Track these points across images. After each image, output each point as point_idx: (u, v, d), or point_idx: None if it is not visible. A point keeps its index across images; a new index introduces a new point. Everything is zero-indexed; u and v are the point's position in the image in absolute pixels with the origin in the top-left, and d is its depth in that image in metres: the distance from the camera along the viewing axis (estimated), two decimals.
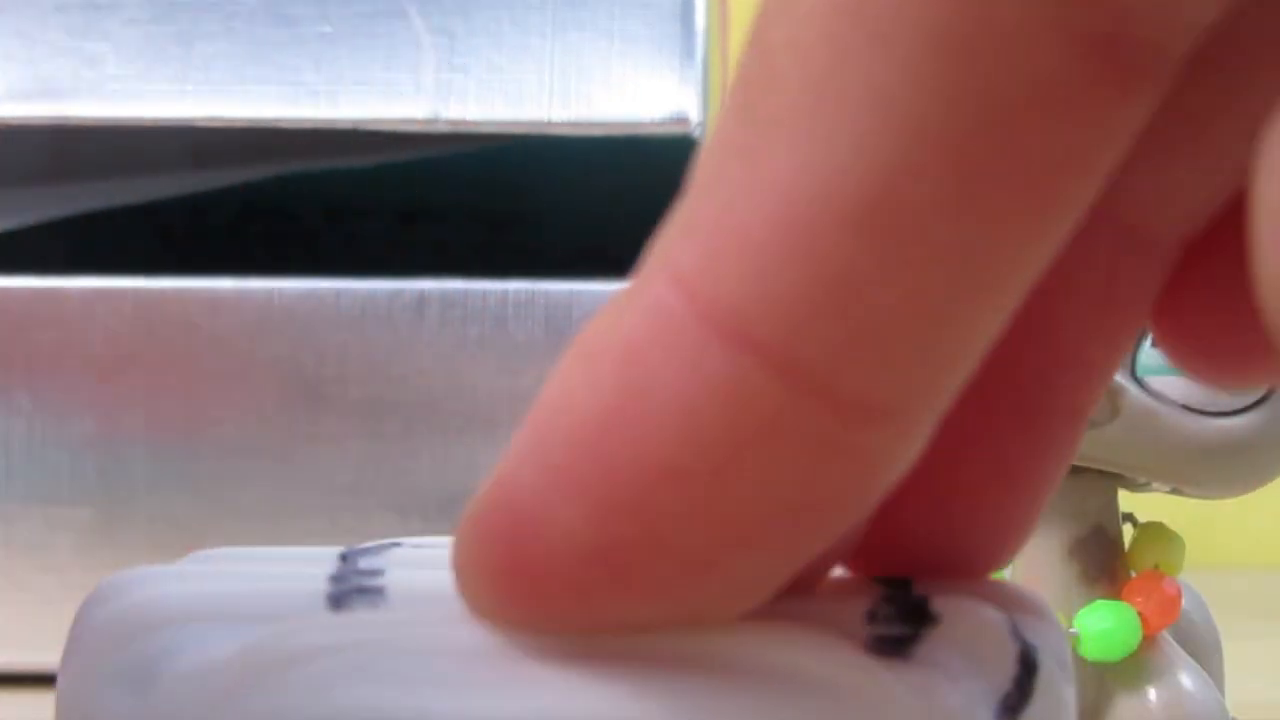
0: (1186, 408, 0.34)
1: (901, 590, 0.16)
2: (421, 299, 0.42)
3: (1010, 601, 0.16)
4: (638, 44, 0.43)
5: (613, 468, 0.13)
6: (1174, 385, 0.34)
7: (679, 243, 0.13)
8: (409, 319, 0.42)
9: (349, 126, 0.42)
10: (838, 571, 0.16)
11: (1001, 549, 0.16)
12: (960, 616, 0.15)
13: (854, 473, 0.13)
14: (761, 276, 0.12)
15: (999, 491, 0.16)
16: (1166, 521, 0.37)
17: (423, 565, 0.16)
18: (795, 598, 0.15)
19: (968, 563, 0.16)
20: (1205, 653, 0.37)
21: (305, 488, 0.42)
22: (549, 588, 0.13)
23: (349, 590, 0.16)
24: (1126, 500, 0.37)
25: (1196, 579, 0.37)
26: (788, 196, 0.12)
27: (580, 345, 0.13)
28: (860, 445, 0.13)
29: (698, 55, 0.43)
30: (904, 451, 0.13)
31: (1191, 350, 0.16)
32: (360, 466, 0.42)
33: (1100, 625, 0.35)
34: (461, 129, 0.42)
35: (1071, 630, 0.35)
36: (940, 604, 0.15)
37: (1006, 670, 0.15)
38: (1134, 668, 0.35)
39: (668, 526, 0.13)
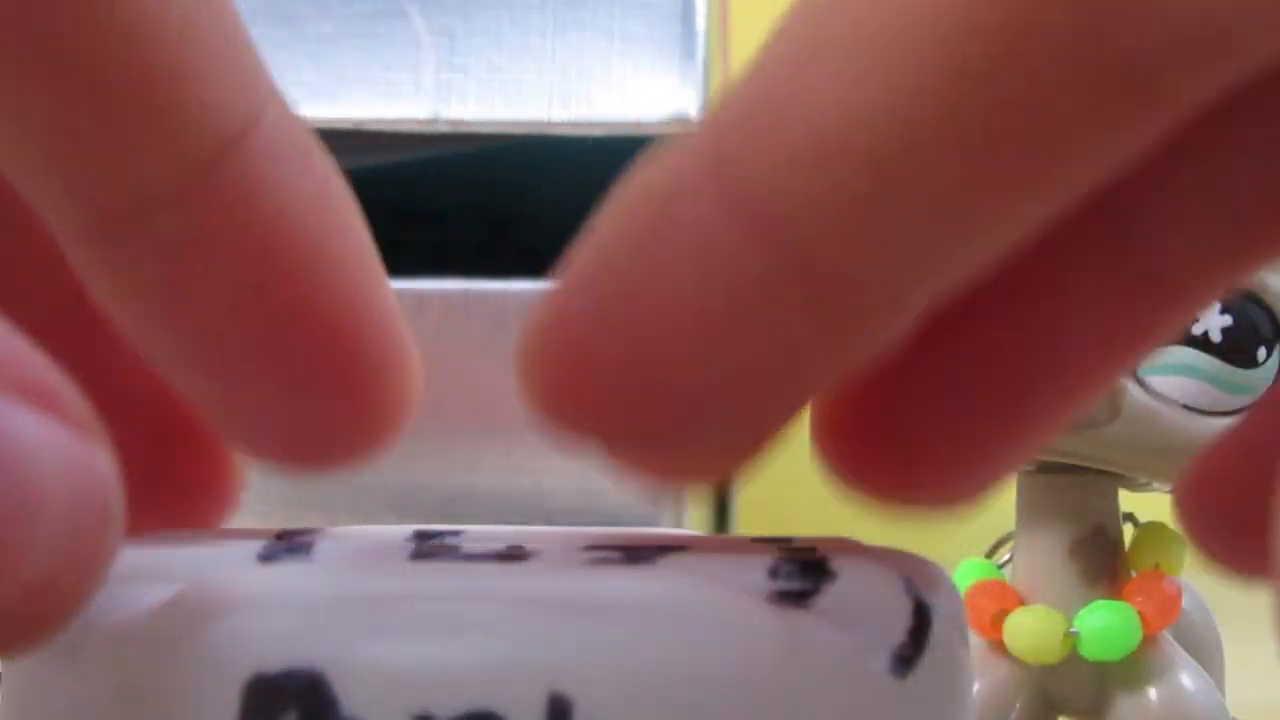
0: (1186, 408, 0.34)
1: (802, 550, 0.17)
2: (421, 299, 0.42)
3: (908, 565, 0.17)
4: (638, 44, 0.43)
5: (638, 308, 0.15)
6: (1175, 385, 0.34)
7: (723, 121, 0.15)
8: (409, 319, 0.42)
9: (349, 126, 0.42)
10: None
11: (960, 492, 0.18)
12: (856, 574, 0.16)
13: (830, 338, 0.15)
14: (782, 173, 0.14)
15: (964, 447, 0.17)
16: (1167, 521, 0.37)
17: (350, 537, 0.17)
18: (703, 556, 0.16)
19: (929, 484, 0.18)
20: (1206, 652, 0.37)
21: (305, 488, 0.42)
22: (593, 397, 0.16)
23: (278, 550, 0.17)
24: (1127, 500, 0.37)
25: (1197, 579, 0.37)
26: (818, 120, 0.14)
27: (628, 192, 0.15)
28: (836, 315, 0.15)
29: (698, 55, 0.43)
30: (872, 331, 0.15)
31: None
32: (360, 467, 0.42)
33: (1101, 625, 0.35)
34: (461, 129, 0.42)
35: (1072, 630, 0.35)
36: (838, 563, 0.17)
37: (901, 623, 0.16)
38: (1134, 667, 0.35)
39: (676, 360, 0.15)
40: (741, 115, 0.15)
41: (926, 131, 0.14)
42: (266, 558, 0.16)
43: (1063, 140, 0.14)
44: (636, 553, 0.16)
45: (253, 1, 0.43)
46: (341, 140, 0.43)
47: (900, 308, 0.15)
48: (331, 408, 0.18)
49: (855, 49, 0.14)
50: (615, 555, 0.16)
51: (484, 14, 0.43)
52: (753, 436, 0.16)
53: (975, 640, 0.37)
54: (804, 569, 0.16)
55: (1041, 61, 0.14)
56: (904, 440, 0.17)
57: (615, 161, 0.49)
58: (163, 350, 0.17)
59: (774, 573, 0.16)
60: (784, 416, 0.16)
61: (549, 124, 0.42)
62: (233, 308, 0.17)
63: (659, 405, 0.15)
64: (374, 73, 0.42)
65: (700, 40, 0.43)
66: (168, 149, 0.16)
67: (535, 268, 0.43)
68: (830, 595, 0.16)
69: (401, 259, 0.48)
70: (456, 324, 0.42)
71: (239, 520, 0.43)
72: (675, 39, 0.43)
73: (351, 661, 0.15)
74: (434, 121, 0.42)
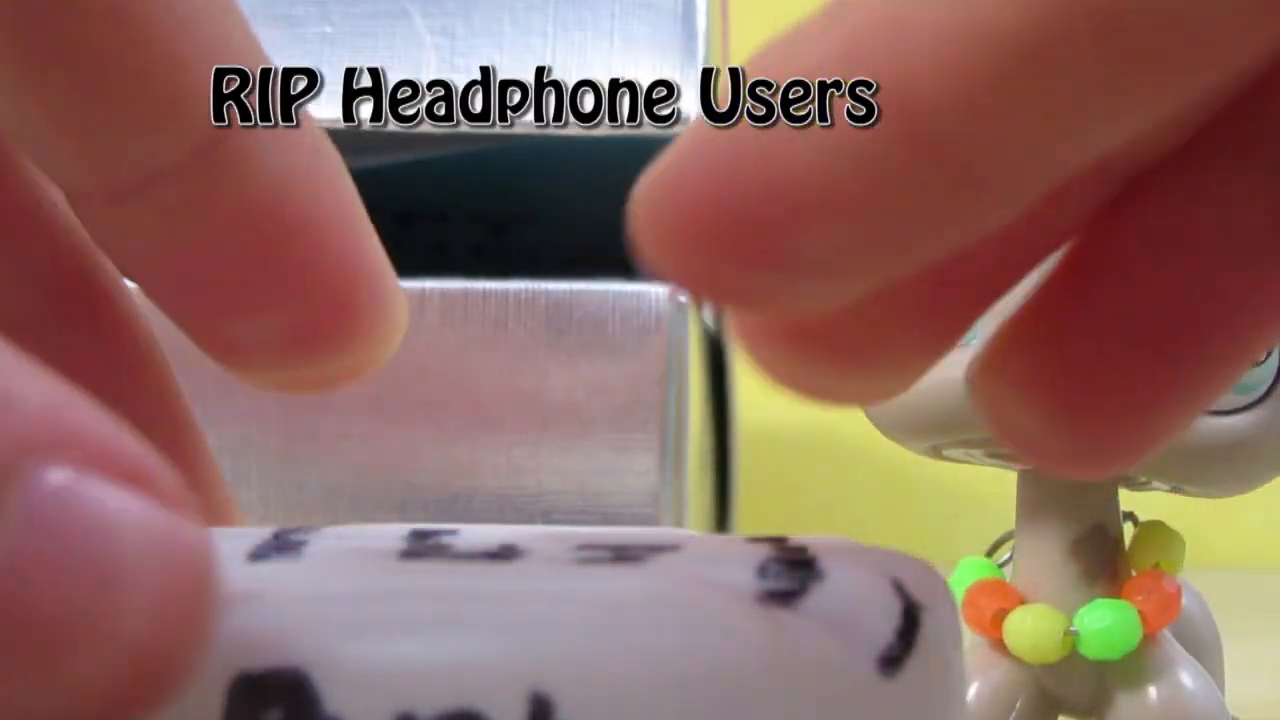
0: None
1: (793, 550, 0.17)
2: (421, 299, 0.42)
3: (899, 565, 0.17)
4: (638, 44, 0.43)
5: (768, 172, 0.15)
6: None
7: (842, 17, 0.15)
8: (409, 319, 0.42)
9: (349, 126, 0.42)
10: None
11: (1135, 448, 0.18)
12: (845, 574, 0.16)
13: (952, 222, 0.16)
14: (914, 64, 0.15)
15: (1131, 400, 0.18)
16: (1166, 520, 0.37)
17: (346, 536, 0.17)
18: (693, 556, 0.16)
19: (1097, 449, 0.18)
20: (1205, 651, 0.37)
21: (305, 488, 0.42)
22: (713, 241, 0.16)
23: (269, 548, 0.17)
24: (1127, 499, 0.37)
25: (1196, 578, 0.37)
26: (949, 14, 0.15)
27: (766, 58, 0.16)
28: (963, 199, 0.15)
29: (698, 55, 0.43)
30: (995, 215, 0.16)
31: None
32: (360, 466, 0.42)
33: (1101, 623, 0.35)
34: (462, 129, 0.42)
35: (1072, 628, 0.35)
36: (826, 562, 0.16)
37: (889, 624, 0.16)
38: (1134, 666, 0.35)
39: (795, 219, 0.15)
40: (866, 8, 0.15)
41: (1053, 25, 0.14)
42: (256, 556, 0.16)
43: (1197, 32, 0.14)
44: (625, 552, 0.16)
45: (253, 1, 0.43)
46: (342, 140, 0.43)
47: (1026, 193, 0.15)
48: (323, 341, 0.20)
49: None
50: (604, 555, 0.16)
51: (485, 14, 0.43)
52: (852, 289, 0.16)
53: (975, 639, 0.36)
54: (792, 568, 0.16)
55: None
56: (1067, 396, 0.17)
57: (615, 161, 0.49)
58: (164, 293, 0.20)
59: (762, 572, 0.16)
60: (895, 273, 0.16)
61: (549, 124, 0.42)
62: (230, 261, 0.19)
63: (771, 255, 0.16)
64: None
65: (700, 40, 0.43)
66: (168, 131, 0.18)
67: (535, 268, 0.43)
68: (818, 595, 0.16)
69: (401, 259, 0.48)
70: (456, 324, 0.42)
71: (239, 521, 0.43)
72: (675, 39, 0.43)
73: (335, 660, 0.15)
74: None
